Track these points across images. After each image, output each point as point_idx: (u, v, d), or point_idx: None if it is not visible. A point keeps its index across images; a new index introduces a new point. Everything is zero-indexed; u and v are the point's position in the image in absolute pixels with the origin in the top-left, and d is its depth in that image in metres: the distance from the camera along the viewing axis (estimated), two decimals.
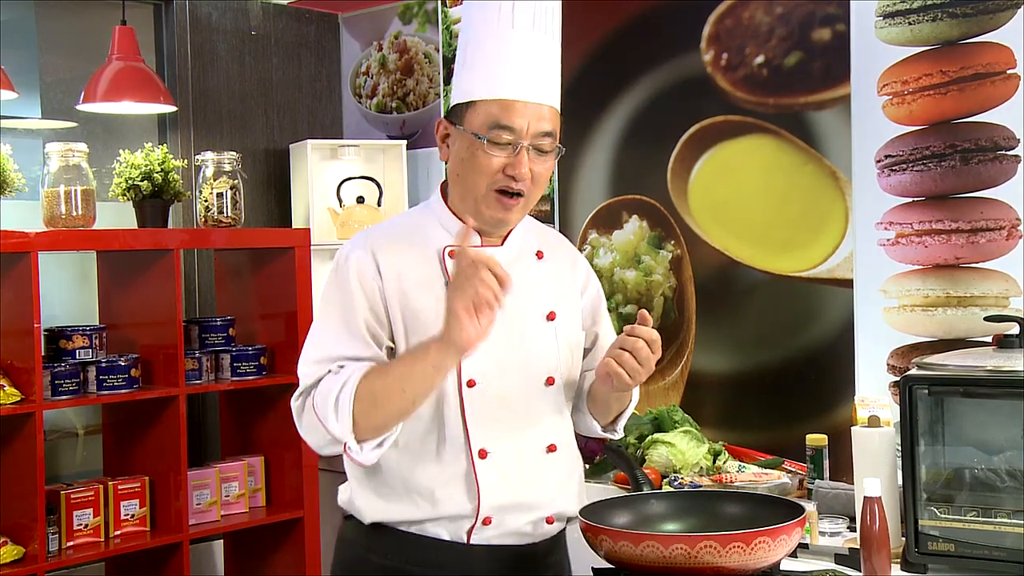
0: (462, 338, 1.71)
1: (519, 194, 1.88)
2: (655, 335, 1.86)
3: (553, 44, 1.91)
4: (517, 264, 1.94)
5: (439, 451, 1.89)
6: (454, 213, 1.94)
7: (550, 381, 1.98)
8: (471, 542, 1.90)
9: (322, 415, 1.84)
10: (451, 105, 1.93)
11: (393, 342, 1.90)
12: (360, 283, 1.89)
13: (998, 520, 2.17)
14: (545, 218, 3.84)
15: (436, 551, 1.91)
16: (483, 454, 1.88)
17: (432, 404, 1.88)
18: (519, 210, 1.91)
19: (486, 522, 1.90)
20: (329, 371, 1.88)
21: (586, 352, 2.10)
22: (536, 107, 1.86)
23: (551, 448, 1.96)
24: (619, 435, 2.11)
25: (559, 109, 1.91)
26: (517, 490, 1.91)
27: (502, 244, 1.97)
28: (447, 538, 1.90)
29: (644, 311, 1.90)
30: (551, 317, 1.98)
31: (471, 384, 1.89)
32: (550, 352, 1.98)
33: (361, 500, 1.95)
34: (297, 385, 3.81)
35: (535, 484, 1.94)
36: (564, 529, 2.04)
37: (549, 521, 1.96)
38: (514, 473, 1.91)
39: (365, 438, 1.82)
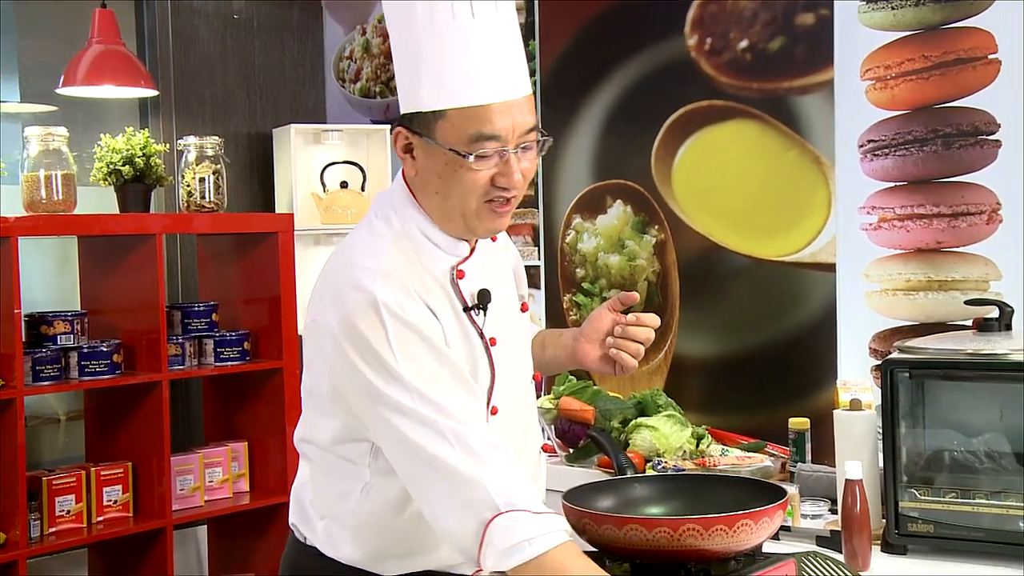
0: None
1: (512, 198, 1.71)
2: (657, 319, 1.86)
3: (513, 22, 1.70)
4: (489, 261, 1.84)
5: None
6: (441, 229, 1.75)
7: (536, 377, 1.94)
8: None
9: (491, 539, 1.57)
10: (408, 112, 1.69)
11: None
12: (434, 332, 1.66)
13: (976, 501, 2.20)
14: (529, 203, 3.85)
15: None
16: None
17: None
18: (510, 214, 1.74)
19: None
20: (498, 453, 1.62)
21: None
22: (516, 103, 1.65)
23: (545, 448, 1.93)
24: None
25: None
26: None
27: (476, 245, 1.81)
28: (469, 572, 1.75)
29: (635, 293, 1.90)
30: (524, 308, 1.92)
31: (495, 412, 1.77)
32: (528, 347, 1.94)
33: (383, 564, 1.78)
34: (279, 372, 3.76)
35: (539, 488, 1.88)
36: None
37: None
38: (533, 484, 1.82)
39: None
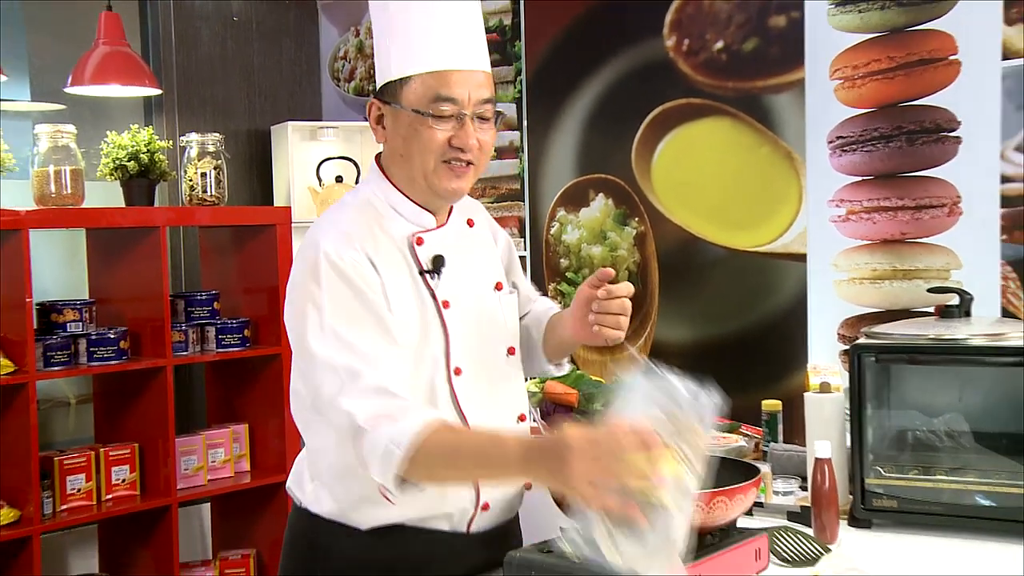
0: (570, 490, 1.45)
1: (469, 163, 1.78)
2: (630, 287, 1.86)
3: (476, 8, 1.82)
4: (461, 239, 1.89)
5: None
6: (405, 195, 1.83)
7: (511, 351, 1.94)
8: (471, 531, 1.85)
9: (367, 458, 1.63)
10: (381, 84, 1.80)
11: None
12: (366, 282, 1.73)
13: (936, 477, 2.22)
14: (515, 197, 3.85)
15: (437, 544, 1.83)
16: None
17: (426, 401, 1.77)
18: (470, 178, 1.80)
19: (485, 508, 1.85)
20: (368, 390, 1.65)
21: None
22: (473, 75, 1.76)
23: (521, 418, 1.94)
24: (566, 368, 2.04)
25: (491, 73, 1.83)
26: None
27: (446, 221, 1.87)
28: (447, 529, 1.83)
29: (609, 269, 1.88)
30: (499, 287, 1.94)
31: (458, 372, 1.80)
32: (504, 322, 1.94)
33: (359, 511, 1.82)
34: (278, 357, 3.75)
35: None
36: None
37: (527, 487, 1.94)
38: None
39: (407, 482, 1.64)
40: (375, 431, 1.61)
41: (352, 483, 1.80)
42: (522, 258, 3.82)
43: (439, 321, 1.80)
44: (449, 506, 1.82)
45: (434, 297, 1.80)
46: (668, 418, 1.46)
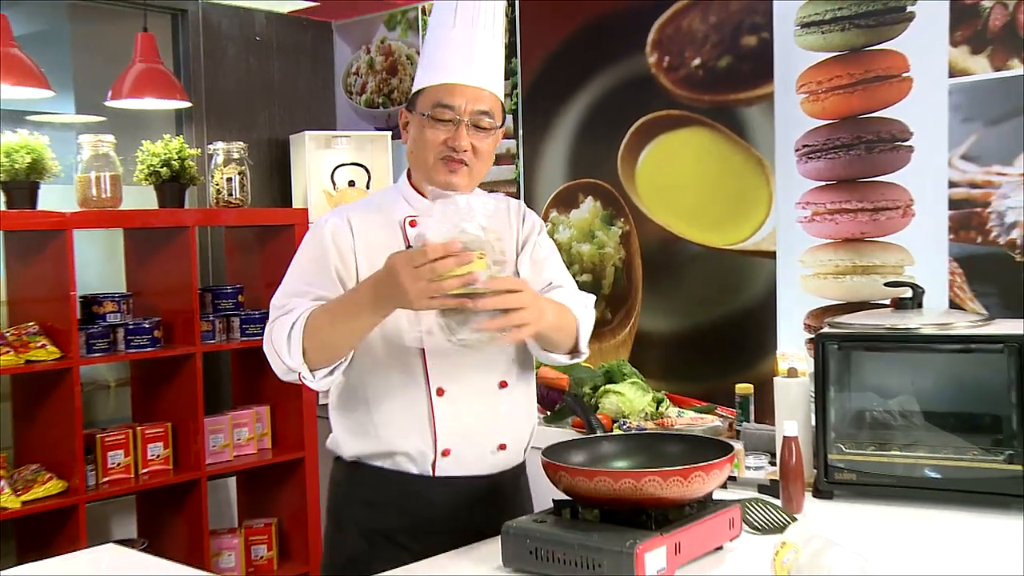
0: (402, 303, 1.69)
1: (463, 163, 1.88)
2: (519, 285, 1.80)
3: (492, 39, 1.91)
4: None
5: (402, 391, 1.89)
6: (416, 189, 1.96)
7: None
8: (436, 474, 1.91)
9: (278, 348, 1.81)
10: (409, 96, 1.96)
11: None
12: (334, 240, 1.89)
13: (891, 453, 2.24)
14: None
15: (406, 484, 1.91)
16: (440, 392, 1.89)
17: (396, 348, 1.88)
18: (464, 175, 1.89)
19: (445, 454, 1.90)
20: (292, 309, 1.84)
21: None
22: (474, 89, 1.87)
23: (503, 384, 1.96)
24: (585, 354, 2.01)
25: (500, 97, 1.92)
26: (469, 423, 1.92)
27: None
28: (415, 472, 1.91)
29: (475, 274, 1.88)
30: None
31: (430, 332, 1.84)
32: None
33: (340, 439, 1.97)
34: None
35: (486, 417, 1.94)
36: (524, 465, 2.05)
37: (502, 448, 1.97)
38: (466, 408, 1.91)
39: (317, 367, 1.80)
40: (276, 323, 1.82)
41: (341, 422, 1.97)
42: None
43: None
44: (408, 445, 1.90)
45: None
46: (465, 229, 1.67)
